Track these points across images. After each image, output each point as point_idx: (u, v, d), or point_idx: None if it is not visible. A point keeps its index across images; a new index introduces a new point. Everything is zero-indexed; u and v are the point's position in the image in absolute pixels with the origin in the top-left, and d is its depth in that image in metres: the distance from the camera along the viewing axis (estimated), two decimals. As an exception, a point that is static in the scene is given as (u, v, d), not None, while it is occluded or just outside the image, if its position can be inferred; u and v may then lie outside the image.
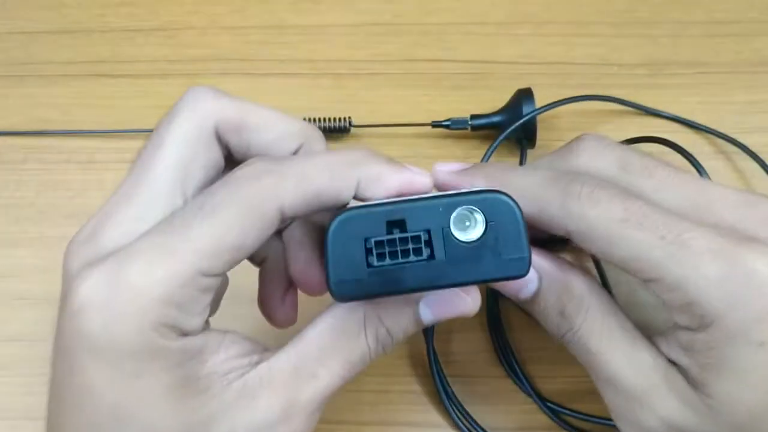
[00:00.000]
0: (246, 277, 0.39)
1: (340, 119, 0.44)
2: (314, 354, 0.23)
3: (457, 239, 0.20)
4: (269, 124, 0.24)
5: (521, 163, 0.43)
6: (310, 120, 0.44)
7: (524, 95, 0.42)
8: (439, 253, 0.20)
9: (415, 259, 0.20)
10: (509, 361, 0.36)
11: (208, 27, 0.50)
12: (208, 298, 0.21)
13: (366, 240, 0.20)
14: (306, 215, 0.23)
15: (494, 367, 0.38)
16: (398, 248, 0.20)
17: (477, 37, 0.49)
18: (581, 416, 0.35)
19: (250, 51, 0.49)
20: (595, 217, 0.23)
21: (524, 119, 0.41)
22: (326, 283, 0.21)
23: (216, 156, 0.24)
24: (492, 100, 0.45)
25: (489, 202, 0.20)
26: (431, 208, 0.20)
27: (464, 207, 0.20)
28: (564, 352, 0.36)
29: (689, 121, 0.45)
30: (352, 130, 0.44)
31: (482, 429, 0.35)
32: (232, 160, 0.25)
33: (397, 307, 0.24)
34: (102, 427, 0.20)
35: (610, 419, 0.35)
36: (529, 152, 0.43)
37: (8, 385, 0.37)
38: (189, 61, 0.48)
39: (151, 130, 0.25)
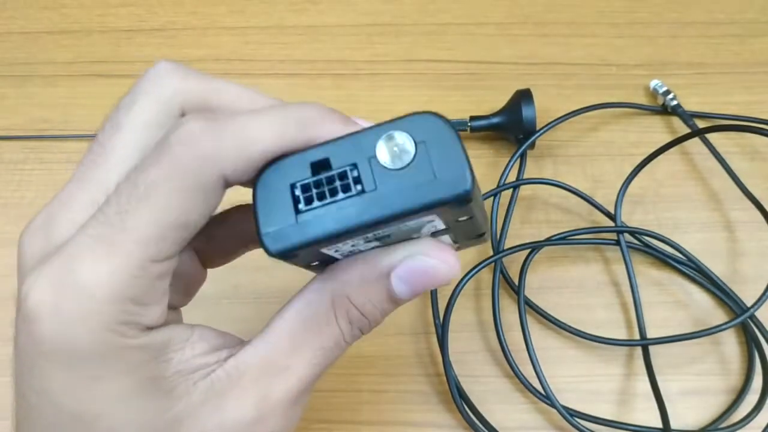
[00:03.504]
0: (246, 277, 0.39)
1: (339, 119, 0.44)
2: (284, 345, 0.21)
3: (386, 167, 0.19)
4: (240, 106, 0.22)
5: (521, 164, 0.43)
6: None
7: (523, 96, 0.42)
8: (368, 185, 0.19)
9: (344, 196, 0.19)
10: (509, 361, 0.36)
11: (208, 27, 0.50)
12: (164, 284, 0.20)
13: (292, 186, 0.19)
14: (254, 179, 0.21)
15: (494, 366, 0.38)
16: (325, 188, 0.19)
17: (477, 37, 0.49)
18: (591, 418, 0.36)
19: (250, 51, 0.49)
20: None
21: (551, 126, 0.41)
22: (258, 239, 0.19)
23: None
24: (492, 100, 0.45)
25: (413, 123, 0.19)
26: (354, 142, 0.19)
27: (387, 133, 0.19)
28: (564, 352, 0.36)
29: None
30: (352, 130, 0.44)
31: (493, 428, 0.35)
32: None
33: (367, 283, 0.22)
34: (65, 430, 0.19)
35: (617, 421, 0.35)
36: (529, 153, 0.43)
37: (8, 386, 0.37)
38: (189, 62, 0.48)
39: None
